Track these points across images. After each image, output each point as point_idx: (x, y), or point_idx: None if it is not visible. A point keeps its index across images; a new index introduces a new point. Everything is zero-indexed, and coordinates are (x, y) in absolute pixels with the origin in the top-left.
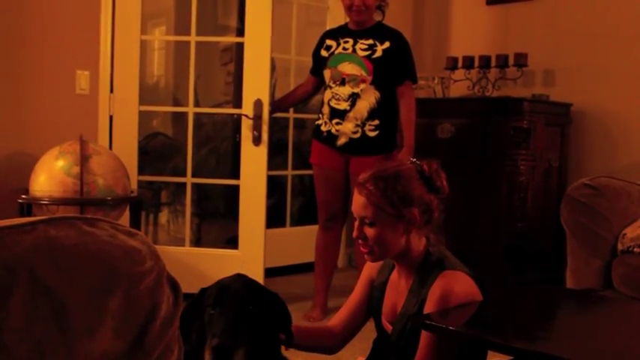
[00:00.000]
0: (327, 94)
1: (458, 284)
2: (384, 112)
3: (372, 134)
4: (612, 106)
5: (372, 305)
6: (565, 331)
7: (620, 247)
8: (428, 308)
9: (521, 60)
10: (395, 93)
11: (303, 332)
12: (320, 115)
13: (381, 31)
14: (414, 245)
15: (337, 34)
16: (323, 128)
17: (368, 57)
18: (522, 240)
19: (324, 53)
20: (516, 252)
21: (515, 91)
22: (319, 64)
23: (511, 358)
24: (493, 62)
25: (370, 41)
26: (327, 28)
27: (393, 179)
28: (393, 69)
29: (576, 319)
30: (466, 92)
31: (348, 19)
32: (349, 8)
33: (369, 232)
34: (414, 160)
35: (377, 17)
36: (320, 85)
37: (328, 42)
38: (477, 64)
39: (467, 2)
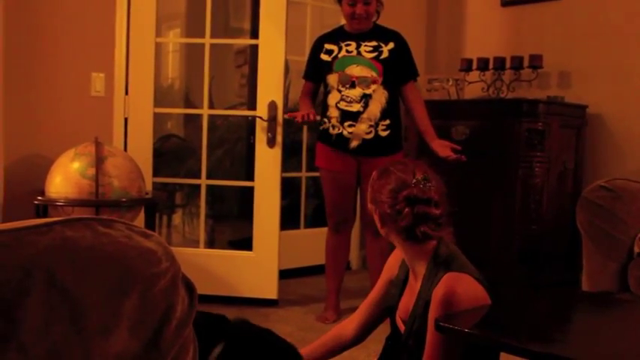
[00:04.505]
0: (334, 97)
1: (461, 286)
2: (393, 111)
3: (384, 134)
4: (629, 107)
5: (388, 302)
6: (581, 334)
7: (636, 249)
8: (431, 310)
9: (536, 61)
10: (397, 92)
11: (311, 357)
12: (325, 120)
13: (381, 33)
14: (402, 244)
15: (336, 37)
16: (332, 132)
17: (375, 58)
18: (537, 242)
19: (325, 57)
20: (531, 254)
21: (530, 93)
22: (320, 68)
23: None
24: (508, 64)
25: (374, 43)
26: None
27: (378, 177)
28: (398, 68)
29: (592, 322)
30: (480, 94)
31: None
32: (351, 17)
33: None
34: (419, 178)
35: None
36: (318, 89)
37: (328, 46)
38: (491, 65)
39: (481, 4)
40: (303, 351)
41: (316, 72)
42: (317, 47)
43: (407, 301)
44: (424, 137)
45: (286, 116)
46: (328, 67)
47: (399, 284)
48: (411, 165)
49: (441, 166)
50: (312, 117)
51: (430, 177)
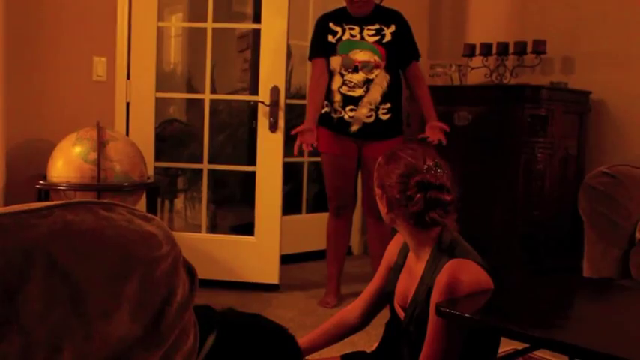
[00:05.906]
0: (336, 82)
1: (465, 273)
2: (394, 94)
3: (385, 117)
4: (632, 94)
5: (387, 288)
6: (582, 319)
7: (637, 235)
8: (433, 296)
9: (539, 47)
10: (399, 74)
11: (314, 344)
12: (327, 103)
13: (384, 15)
14: (409, 230)
15: (340, 19)
16: (333, 115)
17: (378, 42)
18: (539, 228)
19: (330, 39)
20: (533, 240)
21: (533, 79)
22: (326, 49)
23: (527, 345)
24: (511, 49)
25: (377, 26)
26: None
27: (386, 161)
28: (401, 51)
29: (593, 307)
30: (483, 79)
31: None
32: (350, 1)
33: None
34: (430, 164)
35: None
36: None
37: (333, 27)
38: (494, 51)
39: None
40: (306, 338)
41: (325, 48)
42: (322, 26)
43: (404, 287)
44: (424, 116)
45: (292, 132)
46: (332, 49)
47: (397, 269)
48: (420, 150)
49: (442, 152)
50: (311, 147)
51: (440, 163)
